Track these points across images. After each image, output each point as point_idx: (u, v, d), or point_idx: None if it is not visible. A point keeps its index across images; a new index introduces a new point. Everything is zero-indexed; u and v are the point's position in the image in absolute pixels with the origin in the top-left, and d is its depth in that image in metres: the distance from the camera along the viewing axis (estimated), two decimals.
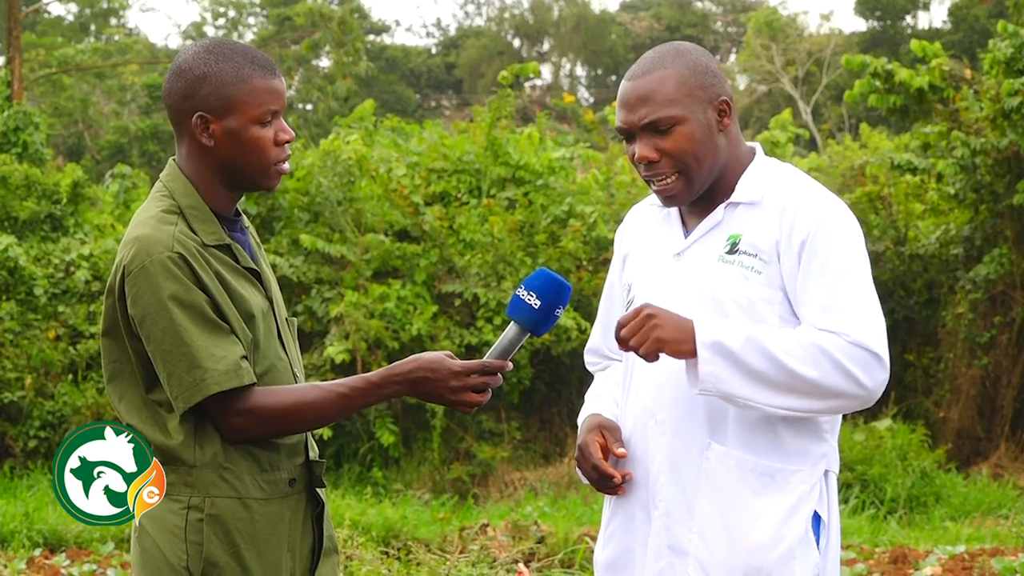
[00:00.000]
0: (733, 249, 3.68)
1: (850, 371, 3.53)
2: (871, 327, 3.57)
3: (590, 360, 4.12)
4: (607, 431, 3.79)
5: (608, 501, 3.86)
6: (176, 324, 3.43)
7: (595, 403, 3.93)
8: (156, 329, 3.45)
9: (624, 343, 3.57)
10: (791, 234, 3.63)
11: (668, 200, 3.74)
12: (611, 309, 4.04)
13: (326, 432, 13.76)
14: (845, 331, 3.54)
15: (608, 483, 3.74)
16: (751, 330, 3.55)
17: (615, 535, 3.82)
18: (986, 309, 15.21)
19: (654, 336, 3.53)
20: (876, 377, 3.56)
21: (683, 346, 3.54)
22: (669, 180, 3.69)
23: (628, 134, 3.74)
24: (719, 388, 3.54)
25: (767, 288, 3.64)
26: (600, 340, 4.08)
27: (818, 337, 3.54)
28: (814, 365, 3.52)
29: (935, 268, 16.01)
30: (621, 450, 3.74)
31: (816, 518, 3.66)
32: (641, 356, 3.57)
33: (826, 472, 3.69)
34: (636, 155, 3.72)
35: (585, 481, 3.83)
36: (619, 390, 3.90)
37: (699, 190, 3.72)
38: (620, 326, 3.58)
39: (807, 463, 3.66)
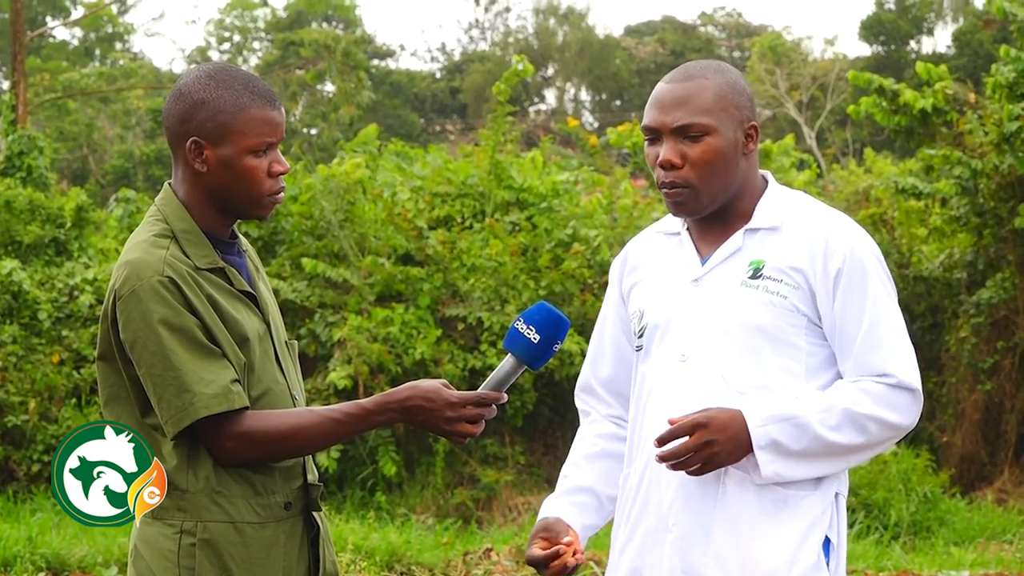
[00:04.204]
0: (756, 274, 3.67)
1: (892, 423, 3.61)
2: (910, 362, 3.65)
3: (583, 398, 4.06)
4: (546, 531, 3.78)
5: (617, 525, 3.84)
6: (166, 348, 3.43)
7: (559, 494, 3.91)
8: (146, 353, 3.44)
9: (674, 457, 3.56)
10: (826, 263, 3.64)
11: (677, 207, 3.72)
12: (602, 344, 4.00)
13: (331, 464, 13.74)
14: (890, 371, 3.61)
15: (557, 558, 3.70)
16: (799, 415, 3.57)
17: (624, 559, 3.79)
18: (989, 334, 15.19)
19: (714, 462, 3.56)
20: (912, 415, 3.65)
21: (739, 456, 3.57)
22: (684, 190, 3.68)
23: (655, 134, 3.72)
24: (781, 479, 3.60)
25: (793, 313, 3.64)
26: (590, 375, 4.03)
27: (859, 400, 3.59)
28: (862, 431, 3.59)
29: (939, 292, 15.99)
30: (567, 538, 3.73)
31: (826, 541, 3.67)
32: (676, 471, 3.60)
33: (836, 495, 3.71)
34: (660, 157, 3.69)
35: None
36: (626, 425, 3.88)
37: (708, 205, 3.71)
38: (671, 436, 3.56)
39: (819, 487, 3.67)
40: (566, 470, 3.95)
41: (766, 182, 3.83)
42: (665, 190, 3.72)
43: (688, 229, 3.83)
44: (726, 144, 3.68)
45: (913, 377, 3.62)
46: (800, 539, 3.62)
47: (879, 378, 3.61)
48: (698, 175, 3.67)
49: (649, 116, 3.73)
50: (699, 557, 3.64)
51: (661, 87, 3.74)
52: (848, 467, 3.68)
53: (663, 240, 3.89)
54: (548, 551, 3.69)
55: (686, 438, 3.54)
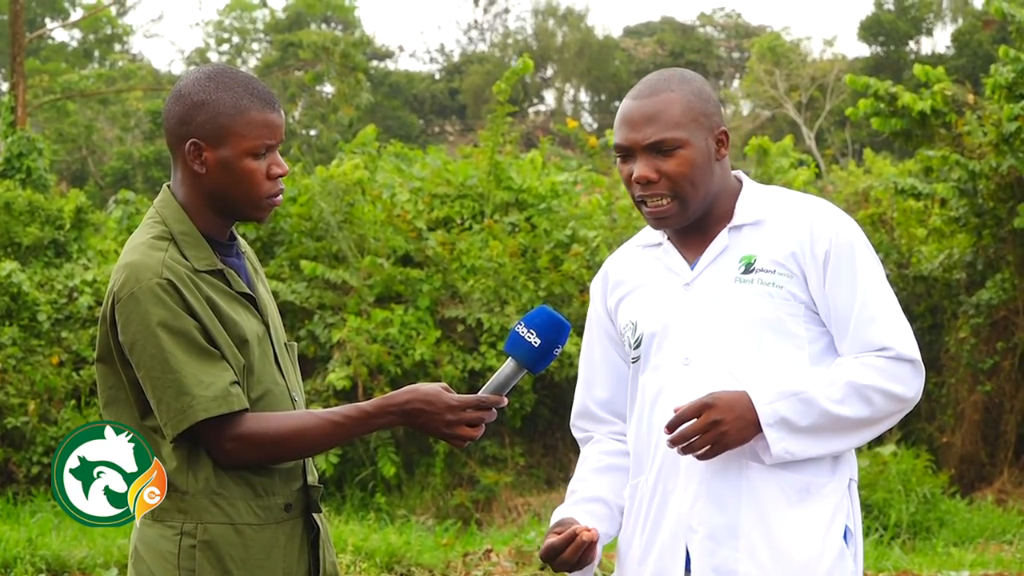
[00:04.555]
0: (749, 269, 3.69)
1: (896, 394, 3.62)
2: (907, 335, 3.67)
3: (581, 426, 4.02)
4: (560, 525, 3.75)
5: (630, 535, 3.82)
6: (164, 351, 3.42)
7: (569, 504, 3.88)
8: (145, 356, 3.44)
9: (683, 440, 3.55)
10: (813, 246, 3.67)
11: (658, 222, 3.73)
12: (593, 365, 3.99)
13: (328, 468, 13.74)
14: (888, 343, 3.63)
15: (573, 542, 3.67)
16: (805, 391, 3.58)
17: (646, 568, 3.76)
18: (988, 334, 15.19)
19: (723, 442, 3.55)
20: (915, 386, 3.66)
21: (747, 435, 3.57)
22: (663, 202, 3.69)
23: (627, 152, 3.72)
24: (791, 457, 3.60)
25: (791, 302, 3.66)
26: (586, 400, 4.00)
27: (862, 373, 3.61)
28: (867, 404, 3.61)
29: (938, 293, 15.99)
30: (577, 526, 3.69)
31: (845, 529, 3.68)
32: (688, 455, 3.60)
33: (850, 480, 3.73)
34: (635, 175, 3.69)
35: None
36: (632, 428, 3.85)
37: (691, 216, 3.72)
38: (680, 421, 3.55)
39: (835, 473, 3.69)
40: (574, 485, 3.93)
41: (740, 182, 3.85)
42: (644, 206, 3.73)
43: (669, 238, 3.84)
44: (699, 154, 3.69)
45: (911, 349, 3.64)
46: (826, 528, 3.63)
47: (878, 352, 3.63)
48: (676, 187, 3.68)
49: (620, 135, 3.74)
50: (731, 554, 3.63)
51: (628, 104, 3.74)
52: (856, 444, 3.67)
53: (644, 252, 3.89)
54: (564, 534, 3.67)
55: (694, 420, 3.54)
